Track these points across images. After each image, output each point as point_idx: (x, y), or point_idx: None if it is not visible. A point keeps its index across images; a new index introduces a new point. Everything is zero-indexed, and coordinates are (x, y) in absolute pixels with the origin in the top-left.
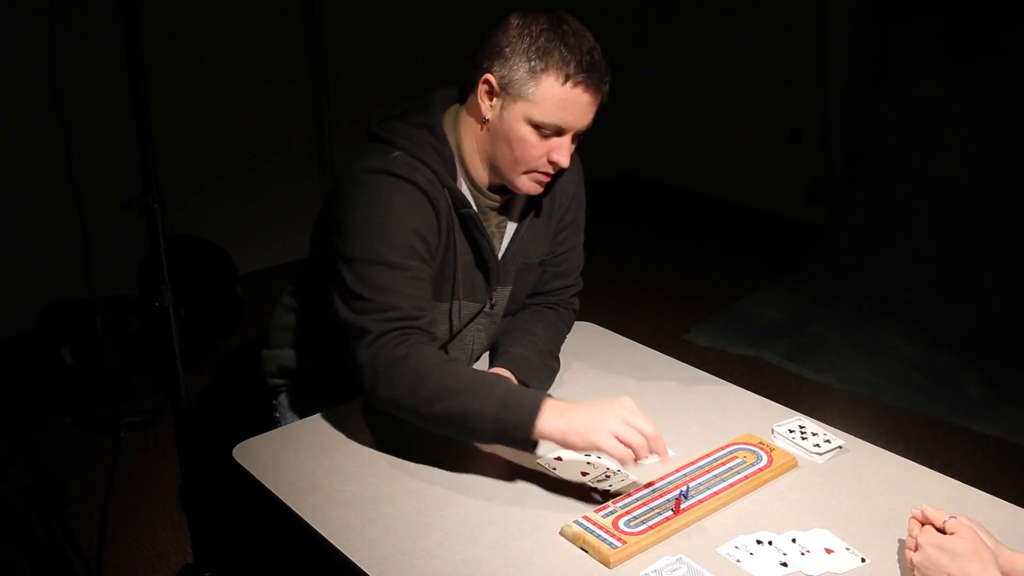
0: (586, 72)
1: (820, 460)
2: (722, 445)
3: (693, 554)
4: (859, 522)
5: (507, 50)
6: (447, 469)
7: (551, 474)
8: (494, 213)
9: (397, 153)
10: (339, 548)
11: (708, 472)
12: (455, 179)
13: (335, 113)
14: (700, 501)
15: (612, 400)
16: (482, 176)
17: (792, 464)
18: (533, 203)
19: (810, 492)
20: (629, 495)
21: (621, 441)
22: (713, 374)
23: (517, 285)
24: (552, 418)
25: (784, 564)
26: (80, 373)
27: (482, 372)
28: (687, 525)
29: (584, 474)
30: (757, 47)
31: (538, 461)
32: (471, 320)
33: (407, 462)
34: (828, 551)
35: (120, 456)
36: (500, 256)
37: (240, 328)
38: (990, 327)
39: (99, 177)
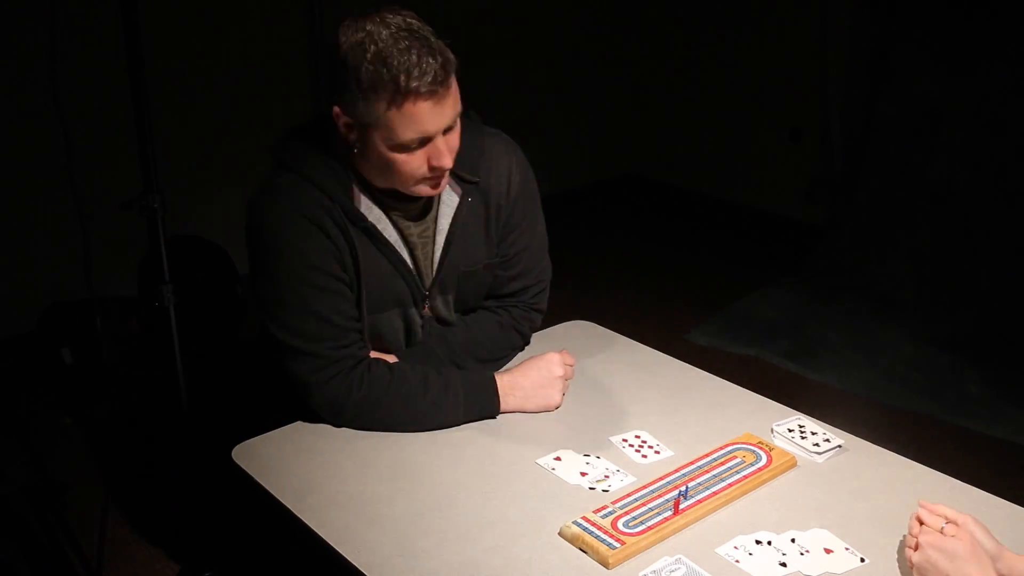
0: (416, 80)
1: (819, 460)
2: (721, 445)
3: (692, 554)
4: (858, 522)
5: (338, 80)
6: (446, 469)
7: (550, 474)
8: (413, 221)
9: (281, 179)
10: (338, 549)
11: (707, 472)
12: (349, 193)
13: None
14: (699, 501)
15: (545, 364)
16: (381, 184)
17: (791, 464)
18: (463, 207)
19: (809, 492)
20: (628, 495)
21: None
22: (713, 374)
23: (461, 291)
24: (507, 399)
25: (783, 564)
26: (80, 373)
27: (431, 376)
28: (686, 525)
29: (583, 474)
30: (757, 47)
31: (538, 461)
32: (412, 328)
33: (406, 463)
34: (827, 551)
35: (120, 456)
36: (436, 264)
37: (240, 328)
38: (990, 327)
39: (99, 177)
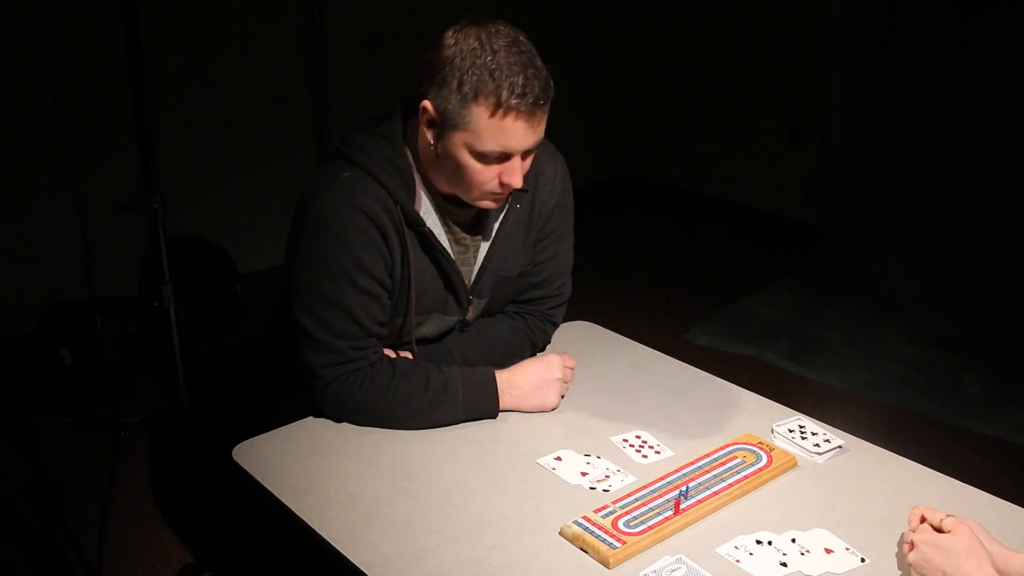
0: (517, 98)
1: (820, 460)
2: (722, 445)
3: (693, 554)
4: (859, 522)
5: (439, 76)
6: (447, 469)
7: (551, 474)
8: (463, 227)
9: (347, 174)
10: (338, 548)
11: (708, 472)
12: (412, 193)
13: (335, 113)
14: (700, 501)
15: (545, 365)
16: (445, 188)
17: (792, 464)
18: (510, 214)
19: (810, 492)
20: (629, 495)
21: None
22: (713, 374)
23: (494, 297)
24: (504, 396)
25: (784, 564)
26: (80, 373)
27: (432, 375)
28: (687, 525)
29: (584, 474)
30: (757, 47)
31: (538, 461)
32: (447, 332)
33: (406, 462)
34: (828, 551)
35: (120, 456)
36: (476, 269)
37: (240, 328)
38: (990, 327)
39: (99, 177)
